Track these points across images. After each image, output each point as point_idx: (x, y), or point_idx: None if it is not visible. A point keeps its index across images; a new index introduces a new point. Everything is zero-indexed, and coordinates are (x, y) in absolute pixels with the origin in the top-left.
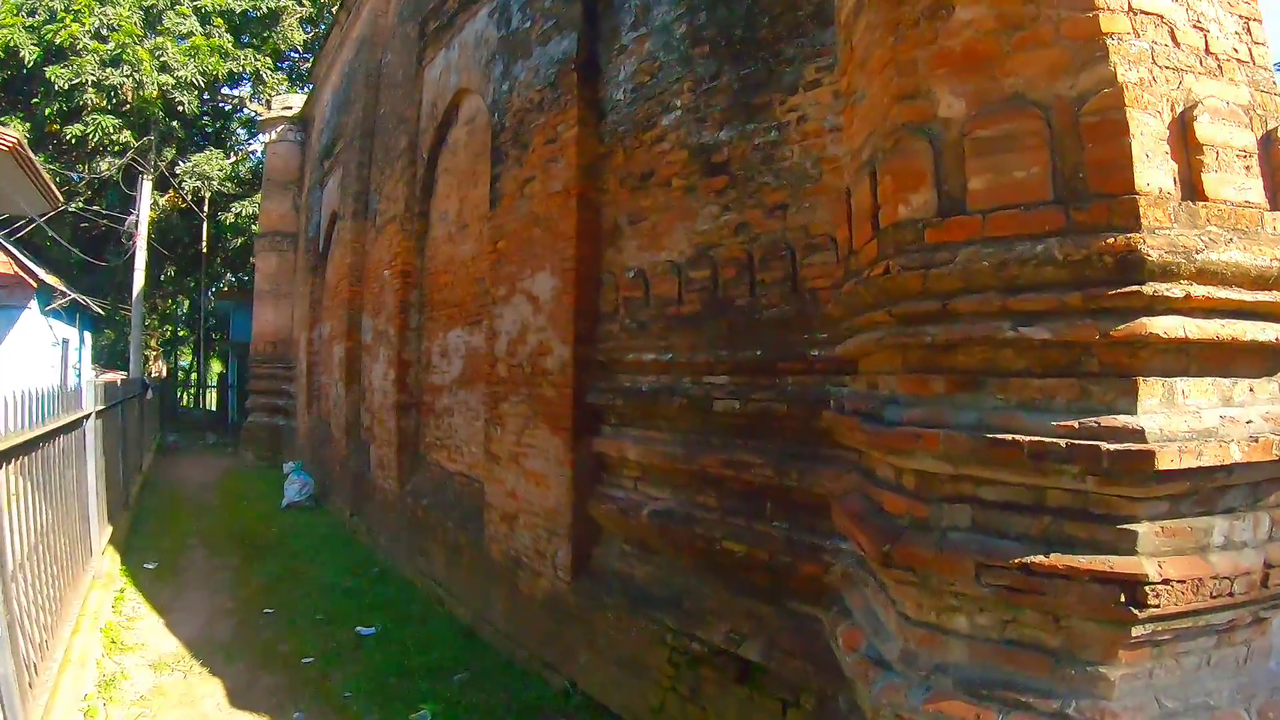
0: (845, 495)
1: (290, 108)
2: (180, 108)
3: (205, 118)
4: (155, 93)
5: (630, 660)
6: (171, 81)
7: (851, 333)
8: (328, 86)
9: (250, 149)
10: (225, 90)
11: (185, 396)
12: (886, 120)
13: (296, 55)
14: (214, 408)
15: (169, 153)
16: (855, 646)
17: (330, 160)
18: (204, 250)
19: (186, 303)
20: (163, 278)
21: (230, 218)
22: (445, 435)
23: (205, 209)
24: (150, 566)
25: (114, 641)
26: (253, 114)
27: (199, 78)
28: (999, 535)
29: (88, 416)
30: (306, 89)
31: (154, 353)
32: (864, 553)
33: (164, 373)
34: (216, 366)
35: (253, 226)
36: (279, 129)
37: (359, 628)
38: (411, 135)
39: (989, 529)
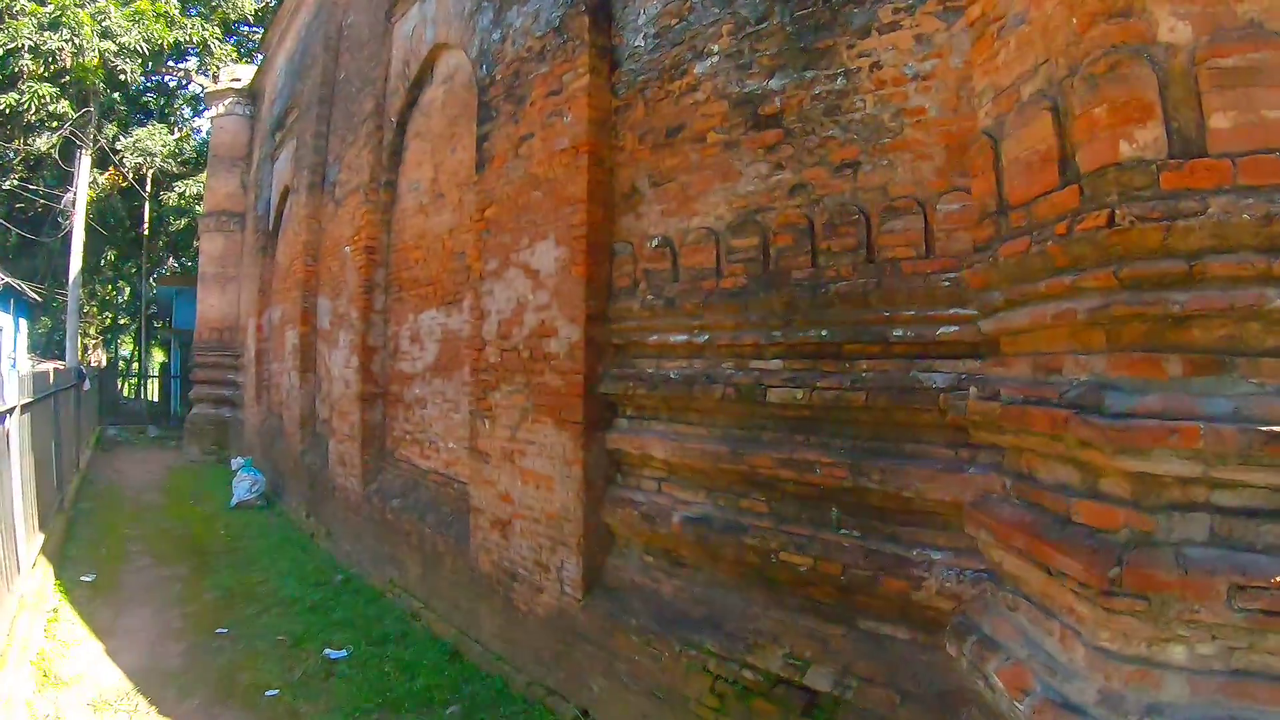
0: (982, 501)
1: (239, 80)
2: (123, 77)
3: (149, 94)
4: (96, 60)
5: (662, 690)
6: (114, 48)
7: (1007, 305)
8: (281, 54)
9: (196, 125)
10: (170, 64)
11: (126, 387)
12: (1084, 42)
13: (247, 28)
14: (156, 398)
15: (111, 129)
16: (1024, 687)
17: (282, 132)
18: (146, 233)
19: (128, 289)
20: (102, 262)
21: (174, 198)
22: (417, 429)
23: (148, 188)
24: (88, 579)
25: (47, 675)
26: (199, 89)
27: (143, 45)
28: (1248, 549)
29: (9, 412)
30: (257, 61)
31: (93, 341)
32: (1065, 575)
33: (104, 362)
34: (159, 355)
35: (197, 207)
36: (227, 102)
37: (328, 650)
38: (378, 98)
39: (1235, 542)
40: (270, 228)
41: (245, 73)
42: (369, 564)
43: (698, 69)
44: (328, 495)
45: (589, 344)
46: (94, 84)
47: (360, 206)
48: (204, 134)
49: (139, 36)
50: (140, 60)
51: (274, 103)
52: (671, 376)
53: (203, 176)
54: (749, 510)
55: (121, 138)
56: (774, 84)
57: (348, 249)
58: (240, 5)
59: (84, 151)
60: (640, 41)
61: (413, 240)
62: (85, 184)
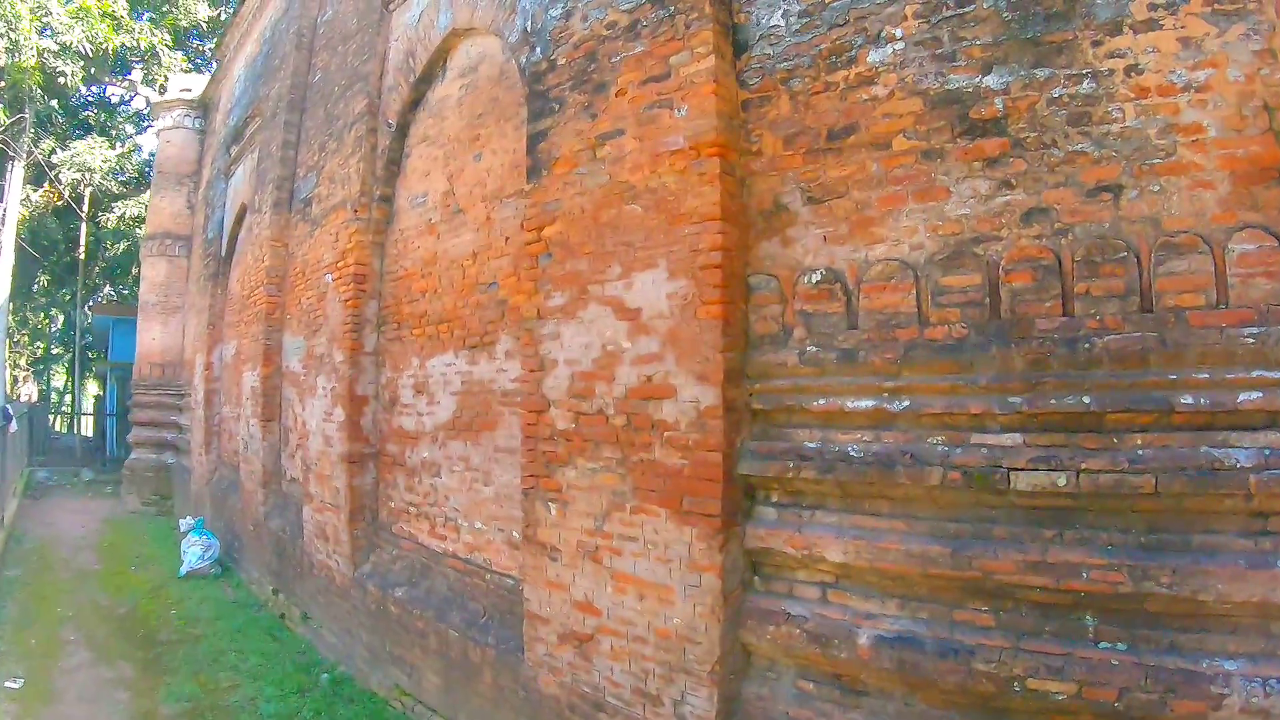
0: None
1: (189, 90)
2: (62, 80)
3: (90, 109)
4: (34, 60)
5: None
6: (54, 48)
7: None
8: (239, 60)
9: (139, 142)
10: (115, 76)
11: (59, 422)
12: None
13: (199, 40)
14: (91, 434)
15: (48, 144)
16: None
17: (239, 145)
18: (82, 256)
19: (62, 318)
20: (35, 287)
21: (113, 220)
22: (425, 501)
23: (85, 208)
24: (13, 686)
25: None
26: (144, 105)
27: (85, 45)
28: None
29: None
30: (211, 71)
31: (24, 373)
32: None
33: (34, 396)
34: (94, 389)
35: (138, 230)
36: (175, 114)
37: None
38: (371, 97)
39: None
40: (223, 252)
41: (196, 83)
42: (364, 662)
43: (873, 57)
44: (302, 572)
45: (728, 410)
46: (30, 87)
47: (346, 226)
48: (148, 153)
49: (82, 36)
50: (83, 63)
51: (230, 113)
52: (851, 454)
53: (145, 197)
54: (968, 625)
55: (58, 151)
56: (992, 81)
57: (329, 277)
58: (193, 11)
59: (16, 163)
60: (779, 20)
61: (417, 267)
62: (17, 200)
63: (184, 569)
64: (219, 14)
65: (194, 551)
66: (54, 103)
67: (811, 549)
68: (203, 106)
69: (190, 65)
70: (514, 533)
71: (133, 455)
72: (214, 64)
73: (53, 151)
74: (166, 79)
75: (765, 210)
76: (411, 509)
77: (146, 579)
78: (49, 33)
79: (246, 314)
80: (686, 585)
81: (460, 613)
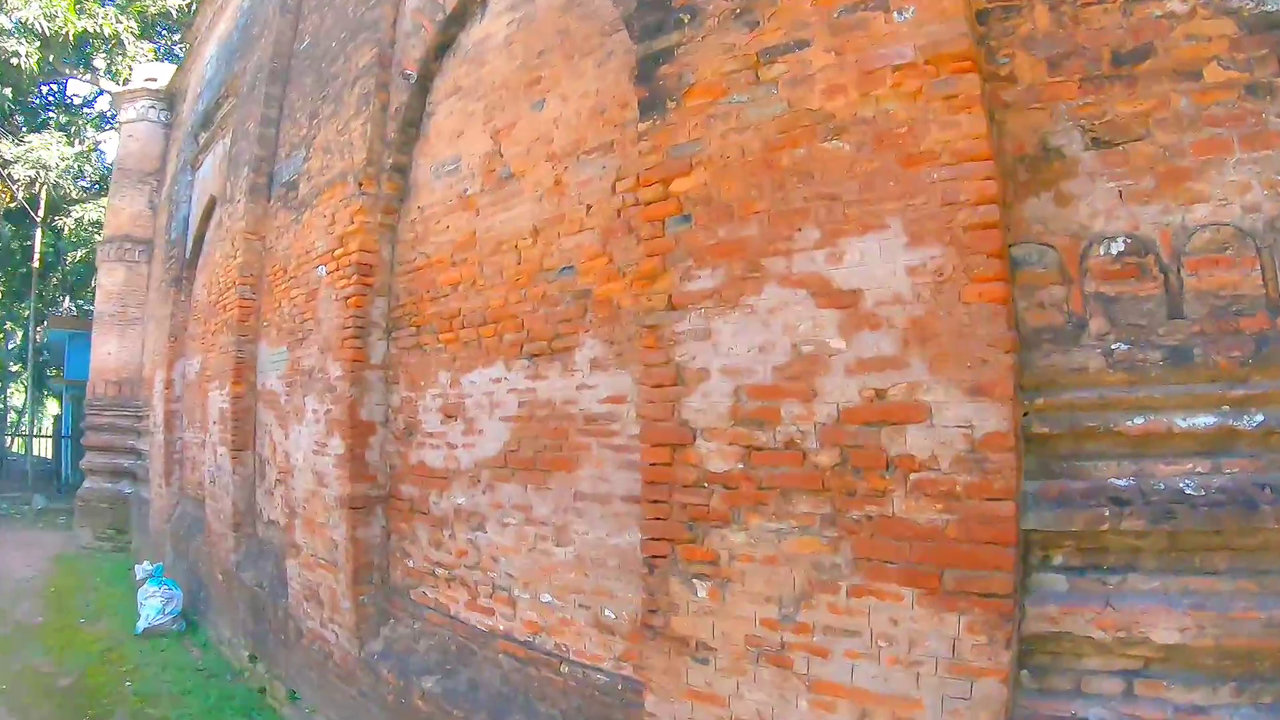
0: None
1: (155, 80)
2: (16, 61)
3: (49, 110)
4: None
5: None
6: (6, 25)
7: None
8: (211, 41)
9: (99, 140)
10: (75, 66)
11: (17, 443)
12: None
13: (167, 32)
14: (50, 457)
15: (4, 144)
16: None
17: (209, 131)
18: (37, 264)
19: (20, 334)
20: None
21: (69, 225)
22: (462, 561)
23: (40, 212)
24: None
25: None
26: (107, 104)
27: (42, 23)
28: None
29: None
30: (180, 62)
31: None
32: None
33: None
34: (54, 407)
35: (96, 236)
36: (140, 105)
37: None
38: (382, 46)
39: None
40: (187, 254)
41: (163, 72)
42: None
43: None
44: (288, 640)
45: (1017, 441)
46: None
47: (347, 204)
48: (106, 160)
49: (39, 13)
50: (39, 45)
51: (199, 98)
52: (1187, 492)
53: (104, 200)
54: None
55: (11, 146)
56: None
57: (322, 270)
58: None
59: None
60: None
61: (445, 253)
62: None
63: (141, 625)
64: (190, 2)
65: (153, 604)
66: (7, 91)
67: (1129, 628)
68: (169, 98)
69: (159, 57)
70: (606, 611)
71: (86, 484)
72: (183, 52)
73: (4, 150)
74: (131, 70)
75: (1028, 156)
76: (439, 571)
77: (97, 636)
78: (1, 9)
79: (214, 323)
80: (947, 697)
81: (522, 712)
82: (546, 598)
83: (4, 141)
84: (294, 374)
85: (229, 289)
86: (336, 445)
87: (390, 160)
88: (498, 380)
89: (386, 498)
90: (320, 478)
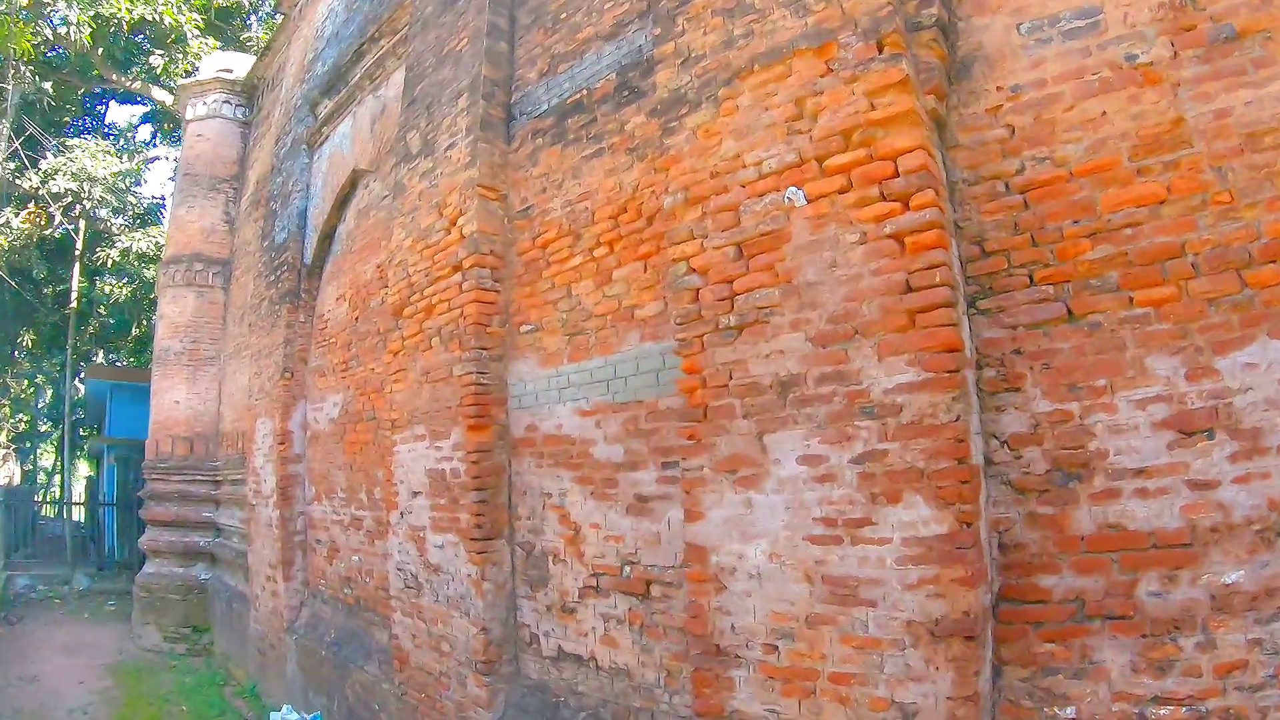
0: None
1: (230, 70)
2: (64, 30)
3: (101, 105)
4: (20, 25)
5: None
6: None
7: None
8: (316, 7)
9: (151, 157)
10: (127, 64)
11: (48, 509)
12: None
13: (235, 20)
14: (82, 519)
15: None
16: None
17: (343, 93)
18: (74, 306)
19: (50, 390)
20: (15, 348)
21: (113, 257)
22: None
23: (80, 242)
24: None
25: None
26: (147, 132)
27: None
28: None
29: None
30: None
31: (3, 450)
32: None
33: (15, 478)
34: (85, 469)
35: (145, 270)
36: (211, 99)
37: None
38: None
39: None
40: (306, 257)
41: (239, 63)
42: None
43: None
44: None
45: None
46: (14, 54)
47: (845, 78)
48: (150, 187)
49: None
50: (88, 30)
51: (311, 66)
52: None
53: (156, 230)
54: None
55: (47, 154)
56: None
57: (797, 193)
58: None
59: None
60: None
61: (1104, 155)
62: None
63: None
64: None
65: None
66: (47, 85)
67: None
68: (248, 91)
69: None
70: None
71: (149, 567)
72: (264, 36)
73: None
74: (195, 67)
75: None
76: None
77: None
78: None
79: (387, 341)
80: None
81: None
82: None
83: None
84: (717, 393)
85: (436, 280)
86: (920, 517)
87: (925, 10)
88: None
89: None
90: (842, 589)
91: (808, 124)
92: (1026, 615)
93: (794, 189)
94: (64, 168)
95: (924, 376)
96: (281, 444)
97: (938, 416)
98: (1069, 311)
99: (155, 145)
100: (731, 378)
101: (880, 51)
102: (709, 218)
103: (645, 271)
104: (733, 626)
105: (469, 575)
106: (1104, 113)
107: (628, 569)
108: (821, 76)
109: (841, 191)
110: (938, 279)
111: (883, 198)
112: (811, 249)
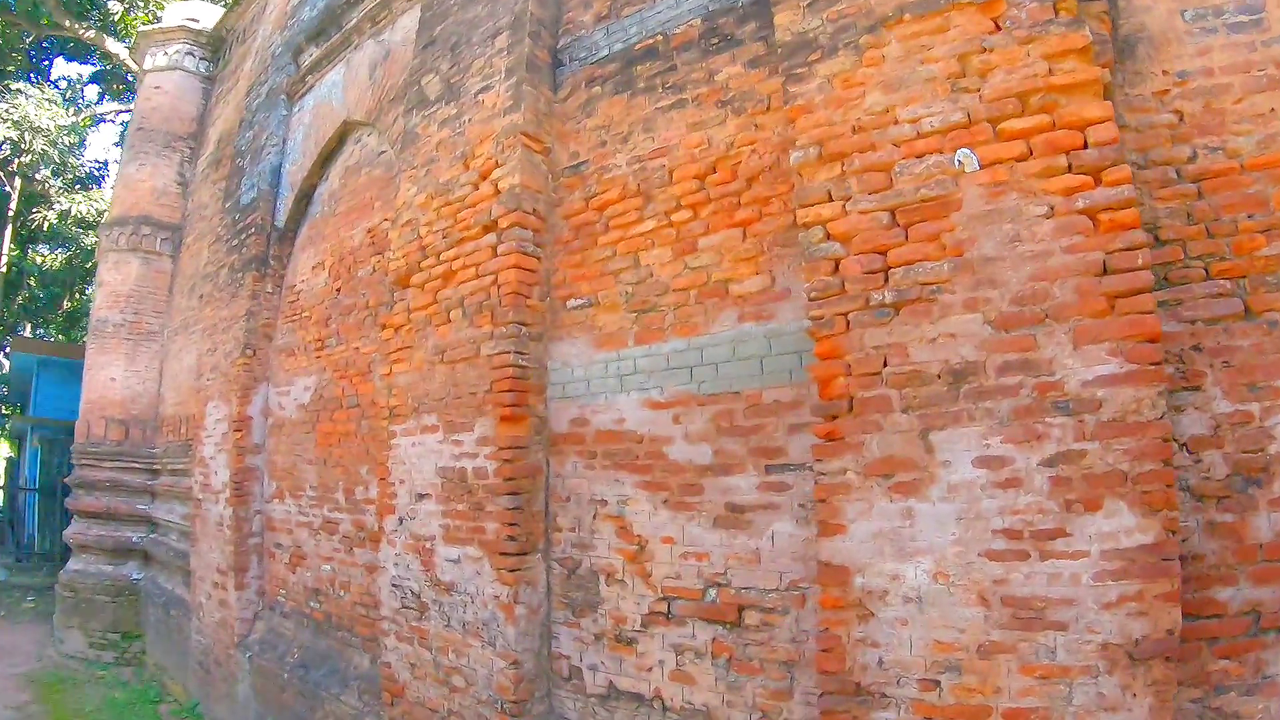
0: None
1: (196, 20)
2: None
3: (46, 61)
4: None
5: None
6: None
7: None
8: None
9: (100, 110)
10: (74, 19)
11: None
12: None
13: None
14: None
15: None
16: None
17: (334, 39)
18: (2, 270)
19: None
20: None
21: (50, 218)
22: None
23: (13, 203)
24: None
25: None
26: (93, 92)
27: None
28: None
29: None
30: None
31: None
32: None
33: None
34: (4, 449)
35: (84, 236)
36: (173, 49)
37: None
38: None
39: None
40: (278, 219)
41: (207, 13)
42: None
43: None
44: None
45: None
46: None
47: (1037, 32)
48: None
49: None
50: None
51: (294, 11)
52: None
53: (98, 194)
54: None
55: None
56: None
57: (968, 156)
58: None
59: None
60: None
61: None
62: None
63: None
64: None
65: None
66: None
67: None
68: (215, 43)
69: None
70: None
71: (74, 564)
72: None
73: None
74: (157, 18)
75: None
76: None
77: None
78: None
79: (381, 315)
80: None
81: None
82: None
83: None
84: (866, 382)
85: (458, 244)
86: (1122, 526)
87: None
88: None
89: None
90: (1026, 611)
91: (975, 82)
92: (1202, 631)
93: (965, 150)
94: (5, 115)
95: (1127, 368)
96: (238, 432)
97: (1142, 413)
98: (1246, 308)
99: (103, 104)
100: (886, 364)
101: (1056, 15)
102: (851, 177)
103: (744, 240)
104: (880, 661)
105: (496, 597)
106: (1272, 109)
107: (713, 592)
108: (990, 34)
109: (1020, 159)
110: (1139, 261)
111: (1070, 169)
112: (988, 219)
